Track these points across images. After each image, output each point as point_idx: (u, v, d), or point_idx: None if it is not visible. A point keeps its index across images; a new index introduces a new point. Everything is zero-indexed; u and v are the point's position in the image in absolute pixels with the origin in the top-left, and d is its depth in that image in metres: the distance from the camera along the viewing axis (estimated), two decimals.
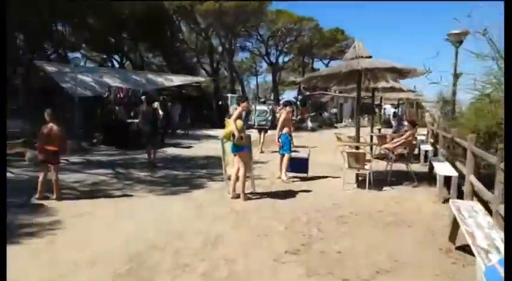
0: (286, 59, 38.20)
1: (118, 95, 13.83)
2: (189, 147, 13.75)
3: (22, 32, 23.29)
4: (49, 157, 6.33)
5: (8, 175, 7.22)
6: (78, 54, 25.57)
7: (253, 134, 10.60)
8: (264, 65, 40.47)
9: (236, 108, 7.04)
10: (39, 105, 13.16)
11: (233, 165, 6.67)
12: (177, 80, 20.69)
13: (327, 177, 8.52)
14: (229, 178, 6.76)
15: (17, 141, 10.46)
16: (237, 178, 6.51)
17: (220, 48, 28.91)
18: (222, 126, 9.21)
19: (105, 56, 27.15)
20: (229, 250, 4.35)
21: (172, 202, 6.49)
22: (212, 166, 9.73)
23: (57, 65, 17.45)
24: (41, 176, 6.32)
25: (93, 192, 7.01)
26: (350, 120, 29.36)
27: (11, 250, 3.98)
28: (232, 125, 6.30)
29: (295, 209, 6.03)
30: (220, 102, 24.89)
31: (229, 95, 26.17)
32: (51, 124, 6.32)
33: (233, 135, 6.25)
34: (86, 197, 6.62)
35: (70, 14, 19.83)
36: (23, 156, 9.67)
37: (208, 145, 13.94)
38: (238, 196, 6.51)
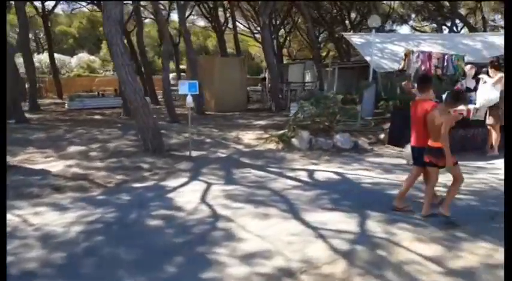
0: None
1: (423, 66, 9.29)
2: None
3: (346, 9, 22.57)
4: (432, 157, 4.04)
5: None
6: (406, 27, 22.40)
7: None
8: None
9: None
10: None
11: None
12: None
13: None
14: None
15: None
16: None
17: None
18: None
19: (434, 25, 22.53)
20: None
21: None
22: None
23: (365, 35, 14.90)
24: (427, 186, 4.24)
25: None
26: None
27: None
28: None
29: None
30: None
31: None
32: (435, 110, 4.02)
33: None
34: None
35: None
36: None
37: None
38: None
